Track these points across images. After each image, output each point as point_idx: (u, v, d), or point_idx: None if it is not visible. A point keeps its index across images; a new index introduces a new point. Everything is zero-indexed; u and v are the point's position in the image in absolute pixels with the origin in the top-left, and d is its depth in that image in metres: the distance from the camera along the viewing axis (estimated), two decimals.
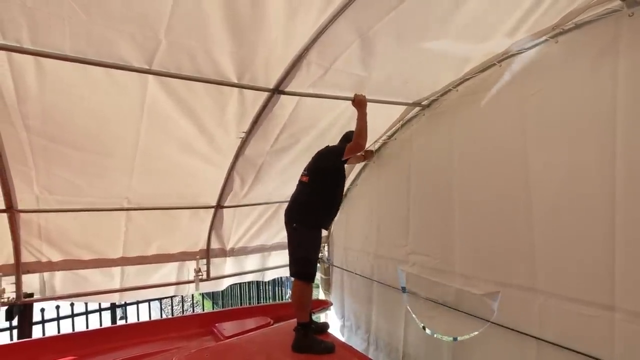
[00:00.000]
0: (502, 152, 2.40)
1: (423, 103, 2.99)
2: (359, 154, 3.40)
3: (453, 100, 2.81)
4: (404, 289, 3.16)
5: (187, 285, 3.70)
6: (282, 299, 5.91)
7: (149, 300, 4.50)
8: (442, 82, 2.72)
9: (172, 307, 5.07)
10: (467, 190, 2.64)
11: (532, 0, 1.86)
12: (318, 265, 4.13)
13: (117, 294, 3.43)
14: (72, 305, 3.80)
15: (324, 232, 3.89)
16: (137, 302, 4.39)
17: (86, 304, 3.98)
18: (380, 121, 3.19)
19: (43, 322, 3.66)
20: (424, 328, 2.99)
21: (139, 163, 2.61)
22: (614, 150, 1.85)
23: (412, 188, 3.14)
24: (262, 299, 6.19)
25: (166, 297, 4.63)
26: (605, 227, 1.86)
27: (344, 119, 2.89)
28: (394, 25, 1.91)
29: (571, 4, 1.90)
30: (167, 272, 3.62)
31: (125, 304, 4.45)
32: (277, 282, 6.08)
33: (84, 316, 4.06)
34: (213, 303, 7.39)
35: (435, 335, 2.86)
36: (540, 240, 2.16)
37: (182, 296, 4.86)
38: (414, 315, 3.06)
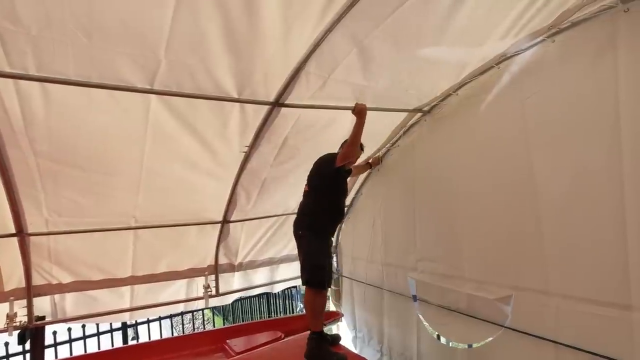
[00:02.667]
0: (506, 154, 2.38)
1: (424, 109, 3.00)
2: (362, 165, 3.42)
3: (454, 104, 2.81)
4: (414, 297, 3.12)
5: (196, 301, 3.69)
6: (292, 312, 5.85)
7: (159, 319, 4.48)
8: (442, 87, 2.73)
9: (182, 325, 5.04)
10: (472, 194, 2.61)
11: (526, 1, 1.87)
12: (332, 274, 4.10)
13: (127, 314, 3.42)
14: (83, 326, 3.80)
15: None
16: (148, 321, 4.39)
17: (97, 325, 3.97)
18: (382, 128, 3.20)
19: (55, 345, 3.66)
20: (438, 337, 2.94)
21: (144, 182, 2.64)
22: (619, 148, 1.83)
23: (417, 194, 3.12)
24: (272, 313, 6.13)
25: (176, 315, 4.61)
26: (616, 226, 1.83)
27: (346, 128, 2.90)
28: (390, 32, 1.93)
29: (565, 2, 1.91)
30: (176, 289, 3.62)
31: (137, 323, 4.44)
32: (287, 295, 6.03)
33: (96, 337, 4.05)
34: (224, 319, 7.34)
35: (449, 343, 2.81)
36: (550, 242, 2.13)
37: (192, 314, 4.84)
38: (426, 324, 3.01)
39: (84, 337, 3.90)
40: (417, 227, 3.11)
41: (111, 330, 4.25)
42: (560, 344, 2.06)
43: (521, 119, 2.28)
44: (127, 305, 3.37)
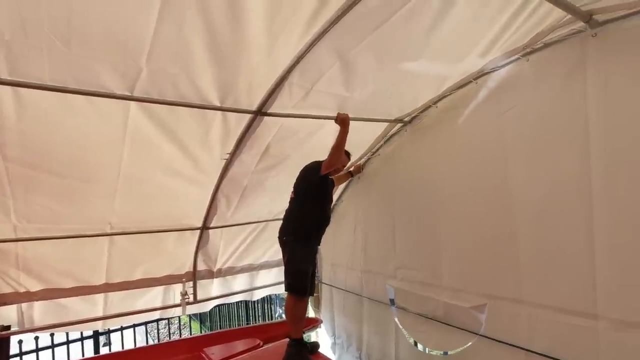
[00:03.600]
0: (484, 166, 2.46)
1: (405, 119, 3.06)
2: (344, 172, 3.45)
3: (433, 116, 2.88)
4: (392, 302, 3.17)
5: (173, 308, 3.62)
6: (271, 318, 5.80)
7: (134, 326, 4.36)
8: (422, 99, 2.80)
9: (158, 330, 4.91)
10: (450, 204, 2.69)
11: (503, 22, 1.94)
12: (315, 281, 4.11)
13: (100, 322, 3.32)
14: (52, 335, 3.64)
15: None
16: (122, 328, 4.25)
17: (67, 333, 3.82)
18: (364, 137, 3.24)
19: (21, 354, 3.50)
20: (415, 344, 2.99)
21: (122, 188, 2.57)
22: (589, 163, 1.93)
23: (397, 202, 3.18)
24: (251, 318, 6.07)
25: (152, 321, 4.50)
26: (585, 238, 1.92)
27: (329, 136, 2.93)
28: (372, 47, 1.97)
29: (539, 25, 2.00)
30: (153, 296, 3.54)
31: (109, 331, 4.30)
32: (266, 300, 5.98)
33: (65, 346, 3.89)
34: (201, 325, 7.21)
35: (426, 350, 2.86)
36: (524, 252, 2.21)
37: (168, 320, 4.73)
38: (404, 331, 3.06)
39: (52, 346, 3.75)
40: (396, 235, 3.16)
41: (82, 339, 4.09)
42: (532, 352, 2.14)
43: (498, 132, 2.37)
44: (100, 313, 3.27)
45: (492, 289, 2.38)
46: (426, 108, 2.91)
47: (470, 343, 2.50)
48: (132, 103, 2.00)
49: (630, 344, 1.75)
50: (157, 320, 4.46)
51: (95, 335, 4.35)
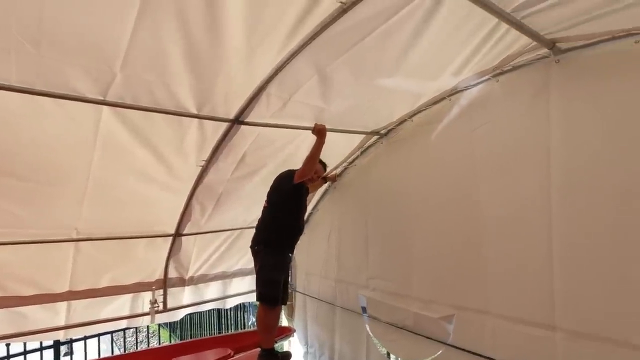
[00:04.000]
0: (455, 180, 2.55)
1: (381, 132, 3.13)
2: (318, 179, 3.47)
3: (409, 129, 2.96)
4: (364, 310, 3.20)
5: (141, 317, 3.51)
6: (244, 326, 5.72)
7: (98, 335, 4.18)
8: (398, 113, 2.87)
9: (124, 339, 4.73)
10: (422, 216, 2.76)
11: (474, 45, 2.03)
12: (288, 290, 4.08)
13: (62, 331, 3.17)
14: (7, 345, 3.45)
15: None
16: (85, 337, 4.07)
17: (25, 343, 3.63)
18: (341, 148, 3.29)
19: None
20: (388, 354, 3.03)
21: (90, 192, 2.48)
22: (549, 181, 2.04)
23: (371, 213, 3.23)
24: (223, 326, 5.95)
25: (118, 330, 4.33)
26: (544, 252, 2.02)
27: (306, 147, 2.95)
28: (349, 63, 2.02)
29: (508, 48, 2.11)
30: (120, 304, 3.42)
31: (71, 340, 4.10)
32: (239, 308, 5.89)
33: (22, 356, 3.69)
34: (170, 333, 7.00)
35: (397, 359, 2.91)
36: (490, 265, 2.30)
37: (136, 328, 4.57)
38: (375, 340, 3.10)
39: (8, 357, 3.54)
40: (369, 245, 3.21)
41: (41, 349, 3.89)
42: None
43: (469, 148, 2.46)
44: (62, 322, 3.12)
45: (460, 300, 2.46)
46: (402, 121, 2.98)
47: (439, 352, 2.56)
48: (105, 107, 1.95)
49: (584, 353, 1.85)
50: (124, 329, 4.31)
51: (57, 345, 4.14)
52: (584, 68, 1.95)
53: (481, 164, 2.39)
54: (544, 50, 2.03)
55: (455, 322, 2.46)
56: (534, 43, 1.98)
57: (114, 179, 2.49)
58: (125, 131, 2.13)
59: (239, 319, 5.93)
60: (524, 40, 1.96)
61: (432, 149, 2.74)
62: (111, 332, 4.45)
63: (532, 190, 2.11)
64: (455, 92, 2.57)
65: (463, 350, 2.41)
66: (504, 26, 1.82)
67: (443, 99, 2.66)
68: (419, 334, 2.70)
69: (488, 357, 2.27)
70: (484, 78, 2.37)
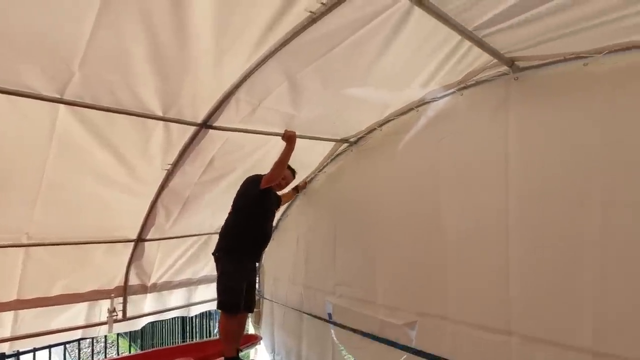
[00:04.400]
0: (419, 189, 2.62)
1: (351, 140, 3.17)
2: (289, 192, 3.46)
3: (377, 138, 3.02)
4: (330, 316, 3.20)
5: (98, 327, 3.33)
6: (210, 335, 5.56)
7: (49, 346, 3.91)
8: (367, 122, 2.92)
9: (79, 351, 4.46)
10: (388, 223, 2.81)
11: (440, 59, 2.11)
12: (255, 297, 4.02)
13: (7, 343, 2.95)
14: None
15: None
16: (35, 349, 3.80)
17: None
18: (313, 155, 3.30)
19: None
20: None
21: (44, 195, 2.34)
22: (507, 191, 2.13)
23: (339, 220, 3.25)
24: (188, 335, 5.76)
25: (72, 341, 4.08)
26: (502, 260, 2.11)
27: (275, 152, 2.93)
28: (320, 72, 2.03)
29: (472, 64, 2.20)
30: (75, 313, 3.23)
31: (18, 353, 3.81)
32: (205, 316, 5.73)
33: None
34: (130, 343, 6.68)
35: None
36: (451, 272, 2.37)
37: (92, 338, 4.32)
38: (340, 347, 3.10)
39: None
40: (337, 252, 3.22)
41: None
42: None
43: (433, 159, 2.54)
44: (7, 334, 2.91)
45: (422, 306, 2.51)
46: (371, 130, 3.04)
47: (403, 358, 2.60)
48: (62, 106, 1.85)
49: (535, 357, 1.95)
50: (78, 340, 4.06)
51: (1, 358, 3.84)
52: (540, 86, 2.07)
53: (444, 174, 2.47)
54: (504, 68, 2.14)
55: (417, 328, 2.52)
56: (495, 60, 2.08)
57: (70, 181, 2.37)
58: (83, 131, 2.03)
59: (204, 327, 5.77)
60: (486, 57, 2.06)
61: (399, 158, 2.81)
62: (64, 343, 4.18)
63: (491, 200, 2.20)
64: (422, 103, 2.65)
65: (425, 355, 2.46)
66: (467, 43, 1.90)
67: (411, 109, 2.73)
68: (383, 341, 2.73)
69: None
70: (449, 91, 2.46)
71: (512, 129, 2.15)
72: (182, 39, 1.59)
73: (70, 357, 5.73)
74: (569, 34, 1.71)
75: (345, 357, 3.06)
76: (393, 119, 2.87)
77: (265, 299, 4.21)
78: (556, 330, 1.89)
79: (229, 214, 2.82)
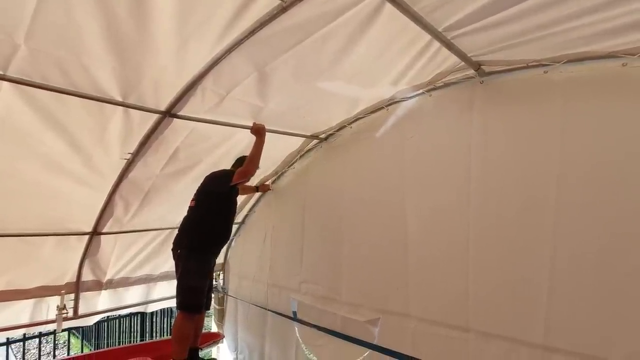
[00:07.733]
0: (385, 187, 2.64)
1: (321, 136, 3.14)
2: (251, 186, 3.39)
3: (347, 136, 3.02)
4: (294, 314, 3.17)
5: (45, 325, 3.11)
6: (170, 333, 5.36)
7: None
8: (337, 118, 2.91)
9: (24, 351, 4.15)
10: (354, 221, 2.81)
11: (410, 58, 2.12)
12: (212, 295, 3.91)
13: None
14: None
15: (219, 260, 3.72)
16: None
17: None
18: (281, 151, 3.25)
19: None
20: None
21: None
22: (468, 190, 2.19)
23: (306, 217, 3.22)
24: (147, 333, 5.53)
25: (16, 341, 3.80)
26: (461, 258, 2.17)
27: (242, 145, 2.86)
28: (289, 64, 1.99)
29: (440, 66, 2.24)
30: (18, 310, 3.00)
31: None
32: (165, 313, 5.52)
33: None
34: (83, 341, 6.32)
35: None
36: (413, 271, 2.41)
37: (40, 337, 4.04)
38: (302, 345, 3.08)
39: None
40: (304, 249, 3.19)
41: None
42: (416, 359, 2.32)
43: (399, 158, 2.57)
44: None
45: (385, 304, 2.54)
46: (341, 127, 3.03)
47: (366, 354, 2.61)
48: (4, 83, 1.68)
49: (490, 352, 2.02)
50: (23, 340, 3.79)
51: None
52: (503, 91, 2.14)
53: (409, 173, 2.51)
54: (471, 71, 2.19)
55: (380, 325, 2.54)
56: (462, 63, 2.13)
57: (12, 166, 2.17)
58: (30, 112, 1.87)
59: (165, 325, 5.56)
60: (454, 59, 2.09)
61: (367, 155, 2.82)
62: (7, 343, 3.88)
63: (452, 200, 2.25)
64: (392, 102, 2.67)
65: (388, 351, 2.48)
66: (436, 44, 1.92)
67: (381, 108, 2.75)
68: (347, 338, 2.74)
69: (409, 357, 2.37)
70: (418, 92, 2.50)
71: (476, 131, 2.21)
72: (140, 15, 1.48)
73: (16, 358, 5.33)
74: (528, 41, 1.78)
75: (308, 355, 3.04)
76: (363, 117, 2.88)
77: (230, 296, 4.11)
78: (510, 327, 1.96)
79: (192, 208, 2.71)
